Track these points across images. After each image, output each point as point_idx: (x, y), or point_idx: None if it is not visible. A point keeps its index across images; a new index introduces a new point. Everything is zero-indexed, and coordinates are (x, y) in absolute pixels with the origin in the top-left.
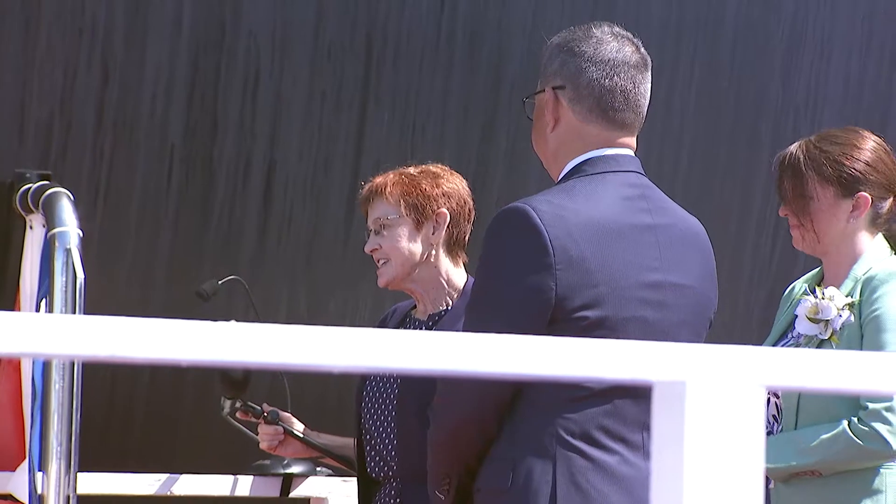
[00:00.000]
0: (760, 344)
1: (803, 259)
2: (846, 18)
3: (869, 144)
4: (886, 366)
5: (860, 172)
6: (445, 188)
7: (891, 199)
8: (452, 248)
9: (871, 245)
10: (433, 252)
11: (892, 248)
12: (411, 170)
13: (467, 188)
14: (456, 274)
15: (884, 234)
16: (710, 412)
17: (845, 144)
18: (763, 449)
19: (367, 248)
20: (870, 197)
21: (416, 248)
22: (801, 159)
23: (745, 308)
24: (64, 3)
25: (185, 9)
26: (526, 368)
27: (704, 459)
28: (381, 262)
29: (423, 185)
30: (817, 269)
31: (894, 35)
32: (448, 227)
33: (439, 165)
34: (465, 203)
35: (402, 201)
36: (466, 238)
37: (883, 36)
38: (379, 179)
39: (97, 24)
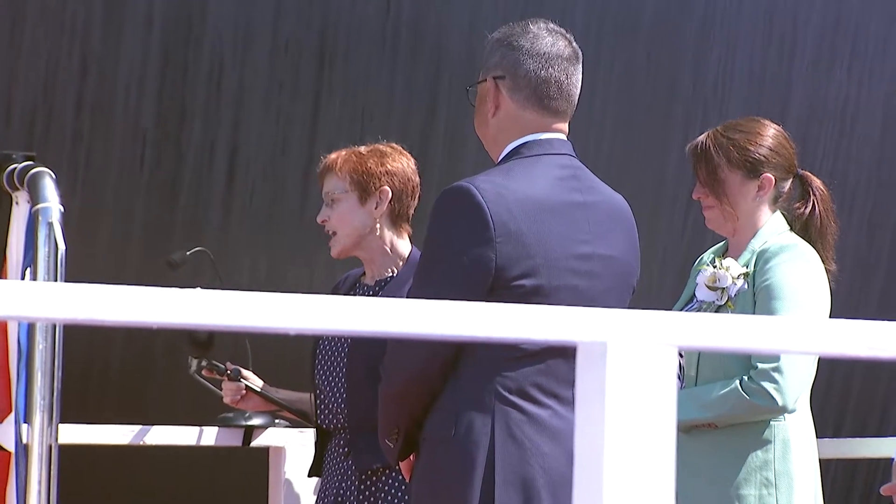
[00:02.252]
0: (671, 309)
1: (712, 233)
2: (750, 17)
3: (770, 131)
4: (776, 328)
5: (763, 156)
6: (390, 167)
7: (790, 180)
8: (396, 221)
9: (769, 221)
10: (377, 224)
11: (790, 226)
12: (362, 149)
13: (414, 167)
14: (400, 244)
15: (784, 213)
16: (628, 369)
17: (749, 132)
18: (675, 401)
19: (318, 218)
20: (773, 178)
21: (361, 220)
22: (712, 147)
23: (660, 277)
24: (47, 1)
25: (156, 7)
26: (465, 331)
27: (623, 411)
28: (331, 233)
29: (369, 163)
30: (723, 242)
31: (793, 30)
32: (391, 202)
33: (392, 145)
34: (409, 181)
35: (348, 177)
36: (410, 212)
37: (782, 32)
38: (332, 156)
39: (77, 21)
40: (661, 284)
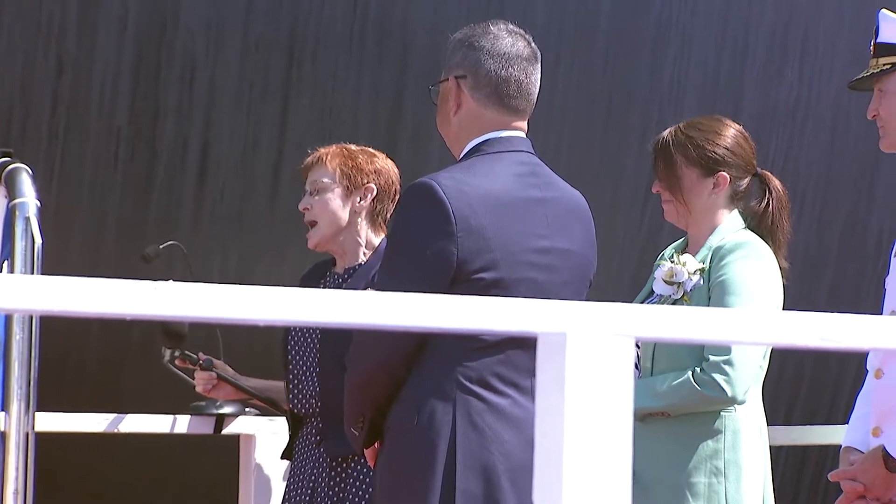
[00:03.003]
0: (631, 301)
1: (668, 228)
2: (704, 19)
3: (729, 131)
4: (730, 319)
5: (720, 155)
6: (378, 166)
7: (748, 178)
8: (375, 220)
9: (728, 218)
10: (357, 220)
11: (745, 222)
12: (353, 146)
13: (397, 173)
14: (374, 238)
15: (741, 211)
16: (587, 359)
17: (708, 131)
18: (632, 389)
19: (300, 205)
20: (728, 176)
21: (343, 212)
22: (671, 143)
23: (618, 270)
24: (23, 3)
25: (130, 8)
26: (429, 322)
27: (582, 400)
28: (311, 225)
29: (359, 160)
30: (683, 238)
31: (745, 32)
32: (373, 200)
33: (378, 150)
34: (392, 183)
35: (338, 169)
36: (388, 215)
37: (735, 34)
38: (323, 150)
39: (53, 22)
40: (619, 278)
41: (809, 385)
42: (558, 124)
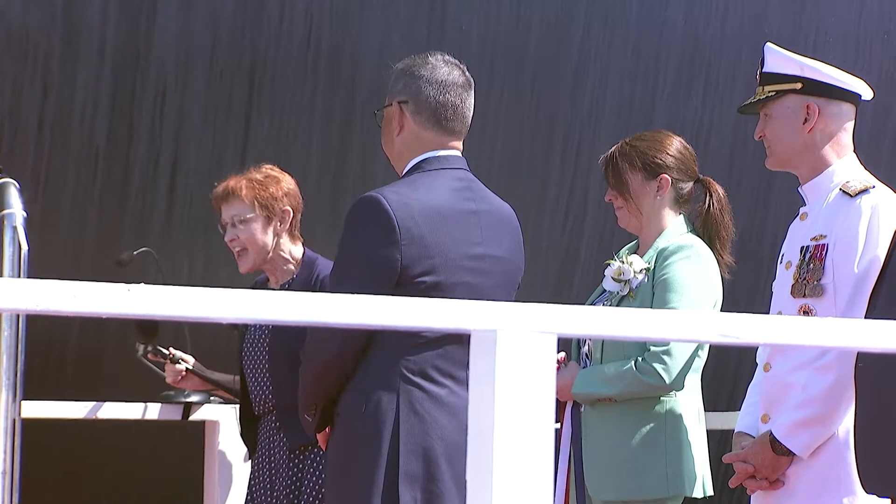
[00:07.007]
0: (555, 301)
1: (587, 236)
2: (619, 53)
3: (670, 140)
4: (636, 319)
5: (661, 160)
6: (286, 188)
7: (691, 183)
8: (292, 232)
9: (673, 223)
10: (280, 241)
11: (690, 226)
12: (257, 175)
13: (295, 184)
14: (295, 250)
15: (686, 215)
16: (514, 353)
17: (651, 141)
18: (553, 379)
19: (227, 239)
20: (670, 178)
21: (268, 239)
22: (617, 155)
23: (543, 274)
24: (11, 33)
25: (108, 39)
26: (376, 320)
27: (510, 389)
28: (239, 251)
29: (271, 189)
30: (635, 241)
31: (655, 64)
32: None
33: (271, 167)
34: (298, 197)
35: (255, 202)
36: (298, 222)
37: (646, 64)
38: (232, 182)
39: (38, 51)
40: (543, 280)
41: (712, 375)
42: (490, 143)
